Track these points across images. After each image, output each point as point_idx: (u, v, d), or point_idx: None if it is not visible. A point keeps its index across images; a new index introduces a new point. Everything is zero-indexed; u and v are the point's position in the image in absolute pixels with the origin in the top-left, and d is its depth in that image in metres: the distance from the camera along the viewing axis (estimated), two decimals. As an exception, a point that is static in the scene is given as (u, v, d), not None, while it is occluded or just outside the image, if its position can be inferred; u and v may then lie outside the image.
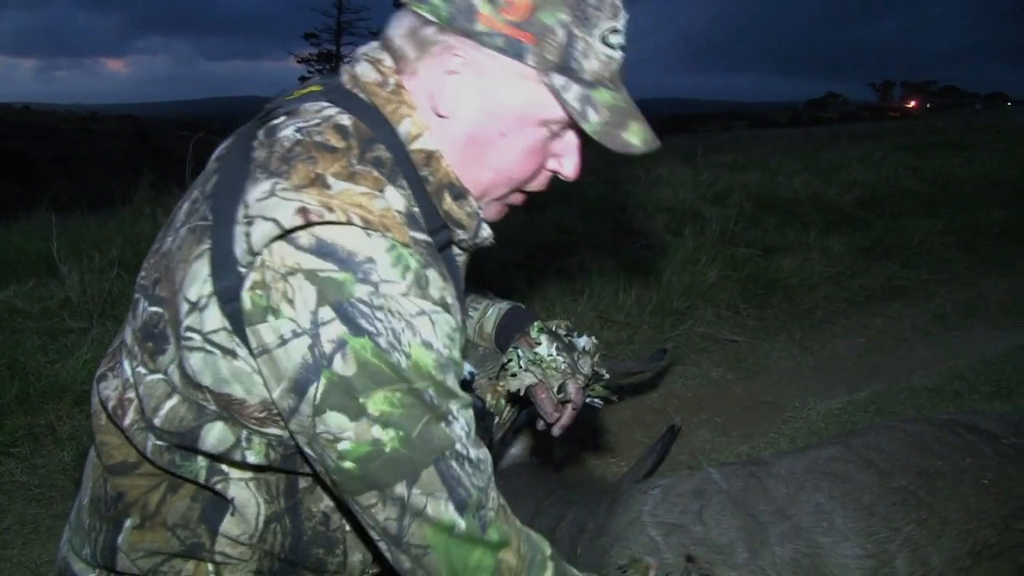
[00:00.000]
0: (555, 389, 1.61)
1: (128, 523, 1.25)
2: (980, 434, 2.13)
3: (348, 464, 1.07)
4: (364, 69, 1.22)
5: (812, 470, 2.01)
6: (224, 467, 1.22)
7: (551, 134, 1.23)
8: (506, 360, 1.66)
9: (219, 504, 1.25)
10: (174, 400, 1.17)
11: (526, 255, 4.74)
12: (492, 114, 1.20)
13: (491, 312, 1.82)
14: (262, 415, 1.15)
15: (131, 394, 1.22)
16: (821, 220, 5.90)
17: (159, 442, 1.20)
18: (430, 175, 1.21)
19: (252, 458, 1.19)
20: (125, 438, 1.24)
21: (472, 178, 1.25)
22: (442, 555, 1.12)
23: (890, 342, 4.10)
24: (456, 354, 1.13)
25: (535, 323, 1.70)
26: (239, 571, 1.28)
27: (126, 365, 1.24)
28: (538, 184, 1.32)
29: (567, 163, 1.29)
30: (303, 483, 1.26)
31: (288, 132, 1.14)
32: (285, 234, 1.04)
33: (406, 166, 1.18)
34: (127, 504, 1.25)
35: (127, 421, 1.22)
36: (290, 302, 1.04)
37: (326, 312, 1.03)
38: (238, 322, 1.08)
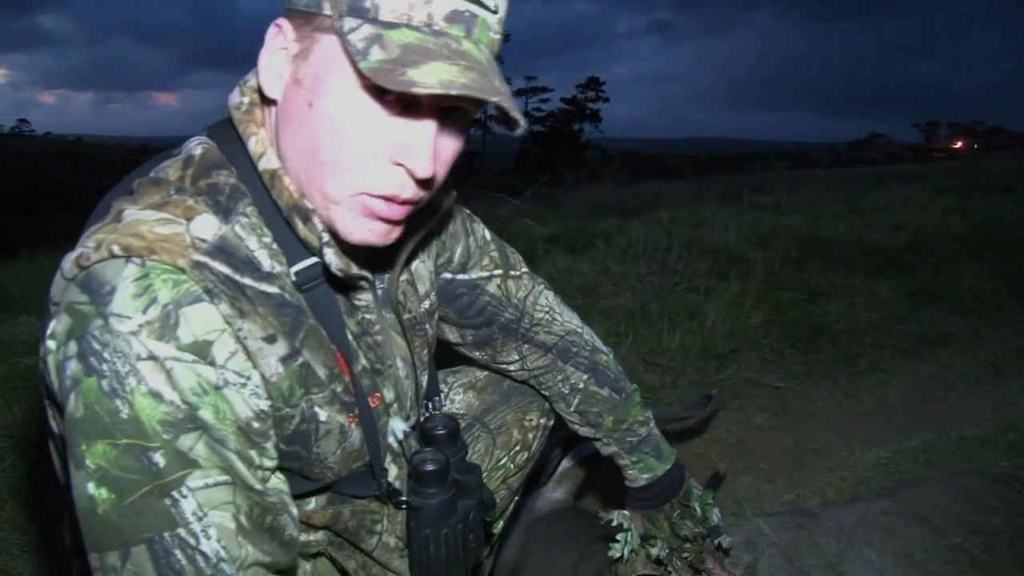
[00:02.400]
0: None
1: None
2: (1034, 489, 2.09)
3: (77, 514, 0.96)
4: (233, 93, 1.16)
5: (862, 524, 1.97)
6: None
7: (388, 111, 1.03)
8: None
9: None
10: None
11: (567, 297, 4.74)
12: (297, 80, 1.05)
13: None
14: None
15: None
16: (866, 264, 5.84)
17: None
18: (277, 197, 1.09)
19: None
20: None
21: (313, 181, 1.08)
22: None
23: (939, 390, 4.02)
24: (208, 415, 0.97)
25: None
26: None
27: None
28: (391, 185, 1.07)
29: (415, 155, 1.05)
30: None
31: (141, 175, 1.11)
32: (69, 282, 0.99)
33: (258, 191, 1.10)
34: None
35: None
36: (53, 336, 0.98)
37: (72, 346, 0.95)
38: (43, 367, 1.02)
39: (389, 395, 1.30)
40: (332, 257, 1.10)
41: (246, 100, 1.13)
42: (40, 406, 1.16)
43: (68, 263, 0.99)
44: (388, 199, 1.07)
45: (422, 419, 1.43)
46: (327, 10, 1.00)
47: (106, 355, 0.93)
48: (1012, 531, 1.93)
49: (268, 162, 1.09)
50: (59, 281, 1.01)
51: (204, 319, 0.98)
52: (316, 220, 1.09)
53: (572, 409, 1.73)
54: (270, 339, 1.06)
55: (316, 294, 1.14)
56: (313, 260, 1.12)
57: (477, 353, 1.70)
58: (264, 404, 1.05)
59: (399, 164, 1.05)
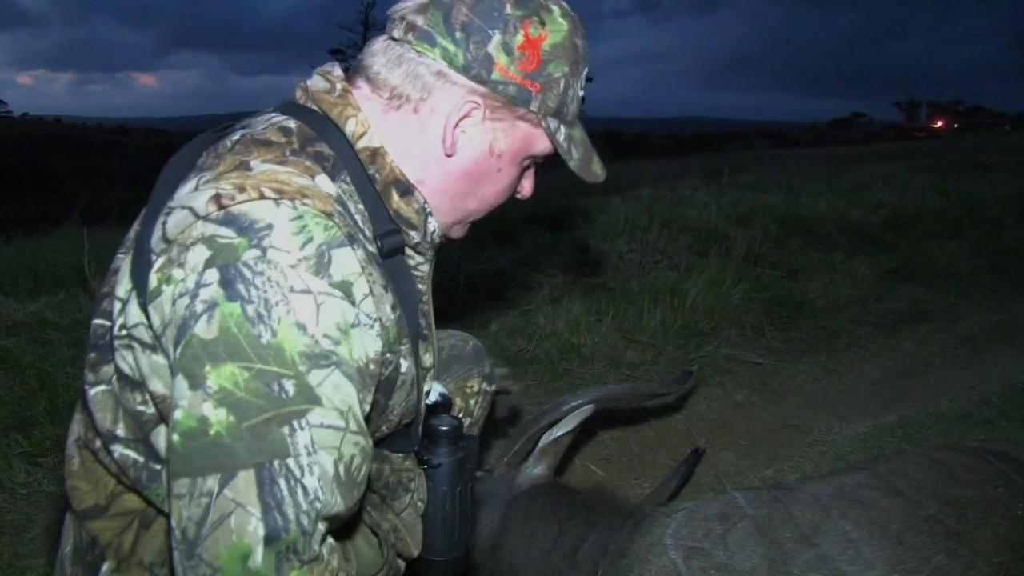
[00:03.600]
0: None
1: (105, 567, 1.23)
2: (1011, 463, 2.11)
3: (175, 437, 0.97)
4: (314, 81, 1.29)
5: (838, 496, 1.99)
6: None
7: (530, 164, 1.37)
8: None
9: None
10: (120, 412, 1.17)
11: (549, 275, 4.75)
12: (494, 154, 1.29)
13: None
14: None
15: (90, 417, 1.22)
16: (846, 241, 5.88)
17: (125, 451, 1.18)
18: (376, 172, 1.24)
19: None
20: (98, 475, 1.24)
21: (458, 206, 1.34)
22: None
23: (917, 366, 4.06)
24: (344, 351, 1.02)
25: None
26: None
27: (87, 392, 1.23)
28: (500, 205, 1.42)
29: (527, 184, 1.40)
30: None
31: (234, 136, 1.19)
32: (197, 220, 1.02)
33: (353, 165, 1.22)
34: (102, 548, 1.24)
35: (96, 444, 1.22)
36: (181, 266, 1.00)
37: (211, 274, 0.98)
38: (147, 300, 1.05)
39: (428, 360, 1.41)
40: (434, 223, 1.32)
41: (338, 87, 1.25)
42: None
43: (200, 202, 1.03)
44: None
45: None
46: (533, 107, 1.25)
47: (257, 282, 0.97)
48: (985, 502, 1.95)
49: (371, 140, 1.23)
50: (181, 220, 1.04)
51: (348, 261, 1.04)
52: (417, 194, 1.27)
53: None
54: (386, 287, 1.16)
55: (393, 262, 1.24)
56: (391, 229, 1.24)
57: None
58: (381, 348, 1.13)
59: (516, 193, 1.39)
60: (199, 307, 0.97)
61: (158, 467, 1.16)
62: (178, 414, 0.96)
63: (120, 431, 1.18)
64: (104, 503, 1.24)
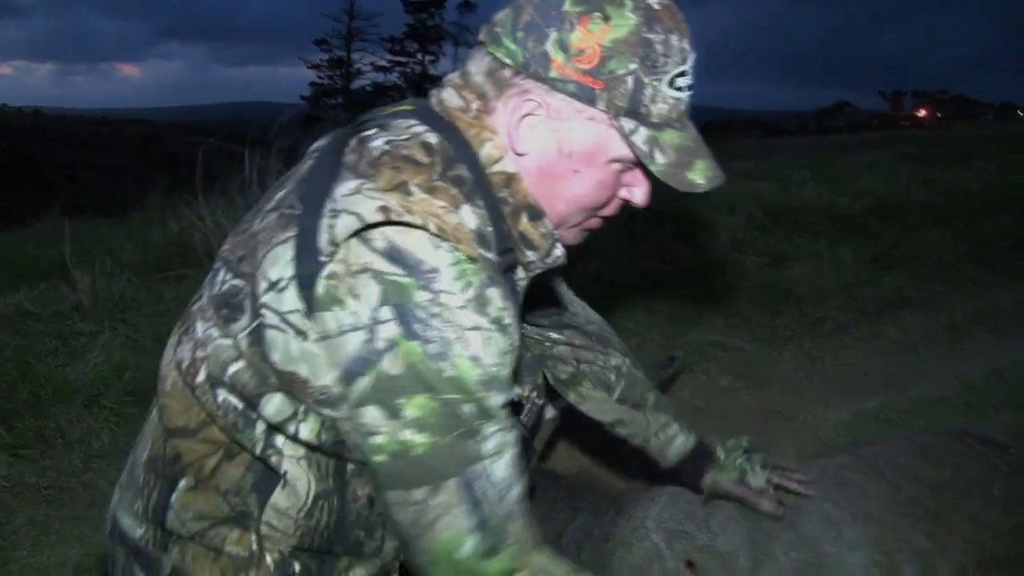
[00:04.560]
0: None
1: (183, 483, 1.30)
2: (989, 445, 2.13)
3: (380, 458, 1.14)
4: (448, 95, 1.30)
5: (820, 479, 2.01)
6: (279, 442, 1.27)
7: (622, 168, 1.30)
8: None
9: (271, 477, 1.29)
10: (240, 364, 1.23)
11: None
12: (564, 154, 1.26)
13: (677, 439, 1.96)
14: (322, 397, 1.20)
15: (201, 353, 1.28)
16: (831, 229, 5.90)
17: (229, 397, 1.25)
18: (509, 196, 1.27)
19: (304, 434, 1.25)
20: (191, 401, 1.30)
21: (548, 208, 1.32)
22: (446, 569, 1.17)
23: (900, 352, 4.09)
24: (504, 374, 1.17)
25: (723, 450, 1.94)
26: (280, 544, 1.33)
27: (199, 327, 1.30)
28: (611, 210, 1.38)
29: (638, 192, 1.35)
30: (351, 466, 1.30)
31: (378, 143, 1.21)
32: (365, 228, 1.10)
33: (484, 188, 1.24)
34: (184, 465, 1.30)
35: (199, 379, 1.28)
36: (355, 297, 1.10)
37: (386, 312, 1.09)
38: (310, 306, 1.15)
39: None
40: (560, 250, 1.35)
41: (474, 107, 1.28)
42: None
43: (368, 210, 1.11)
44: (604, 218, 1.39)
45: None
46: (600, 107, 1.21)
47: (434, 323, 1.09)
48: (963, 483, 1.97)
49: (505, 166, 1.26)
50: (349, 225, 1.11)
51: (498, 298, 1.15)
52: (547, 220, 1.31)
53: (616, 395, 1.92)
54: (515, 313, 1.22)
55: (507, 278, 1.29)
56: (509, 248, 1.28)
57: None
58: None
59: (624, 198, 1.36)
60: (380, 344, 1.09)
61: (254, 417, 1.25)
62: (380, 440, 1.13)
63: (234, 377, 1.24)
64: (193, 427, 1.30)
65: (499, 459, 1.17)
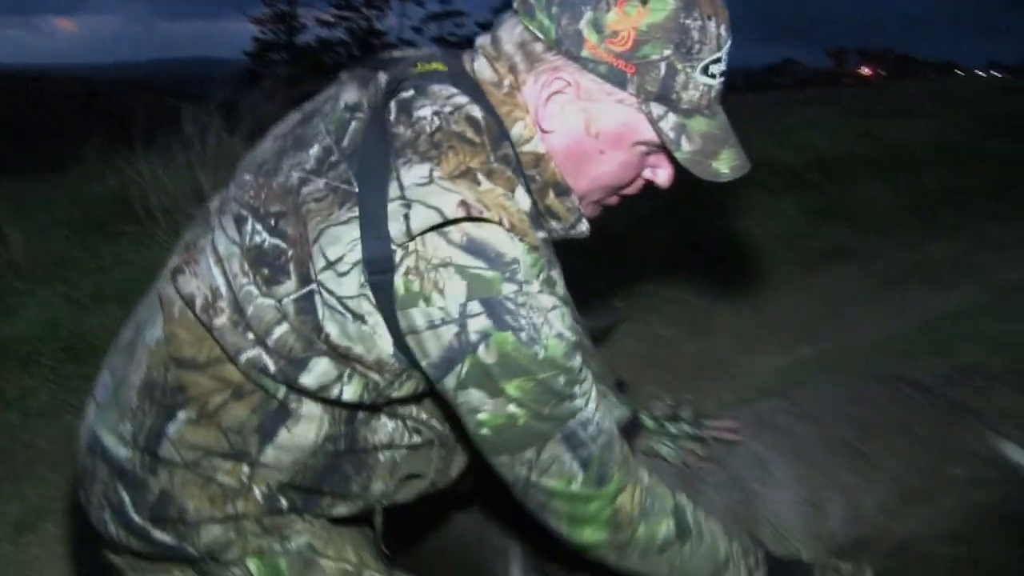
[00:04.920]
0: None
1: (183, 415, 1.30)
2: (916, 387, 2.20)
3: (485, 431, 1.20)
4: (481, 66, 1.29)
5: (753, 423, 2.06)
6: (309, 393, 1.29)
7: (648, 150, 1.30)
8: None
9: (281, 417, 1.31)
10: (284, 327, 1.23)
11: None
12: (591, 135, 1.27)
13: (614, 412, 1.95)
14: (374, 366, 1.23)
15: (223, 303, 1.27)
16: (774, 183, 5.95)
17: (265, 356, 1.25)
18: (537, 175, 1.28)
19: (347, 395, 1.27)
20: (204, 335, 1.29)
21: (578, 185, 1.33)
22: (563, 503, 1.26)
23: (838, 302, 4.18)
24: (576, 338, 1.23)
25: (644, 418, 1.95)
26: (271, 480, 1.35)
27: (215, 272, 1.28)
28: (633, 189, 1.39)
29: (661, 174, 1.36)
30: (361, 414, 1.33)
31: (425, 113, 1.21)
32: (444, 224, 1.12)
33: (518, 165, 1.25)
34: (187, 398, 1.30)
35: (218, 323, 1.27)
36: (441, 292, 1.13)
37: (475, 306, 1.13)
38: (384, 298, 1.17)
39: None
40: (585, 225, 1.36)
41: (506, 83, 1.27)
42: None
43: (448, 206, 1.12)
44: (624, 196, 1.40)
45: None
46: (630, 91, 1.21)
47: (522, 312, 1.14)
48: (891, 423, 2.04)
49: (536, 146, 1.26)
50: (427, 219, 1.12)
51: (557, 275, 1.21)
52: (574, 197, 1.32)
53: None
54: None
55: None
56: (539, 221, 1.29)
57: None
58: None
59: (647, 179, 1.37)
60: (473, 337, 1.14)
61: (292, 375, 1.25)
62: (484, 416, 1.19)
63: (278, 341, 1.23)
64: (203, 361, 1.30)
65: (588, 404, 1.24)
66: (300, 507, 1.41)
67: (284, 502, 1.38)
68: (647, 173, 1.36)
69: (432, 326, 1.15)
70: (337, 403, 1.30)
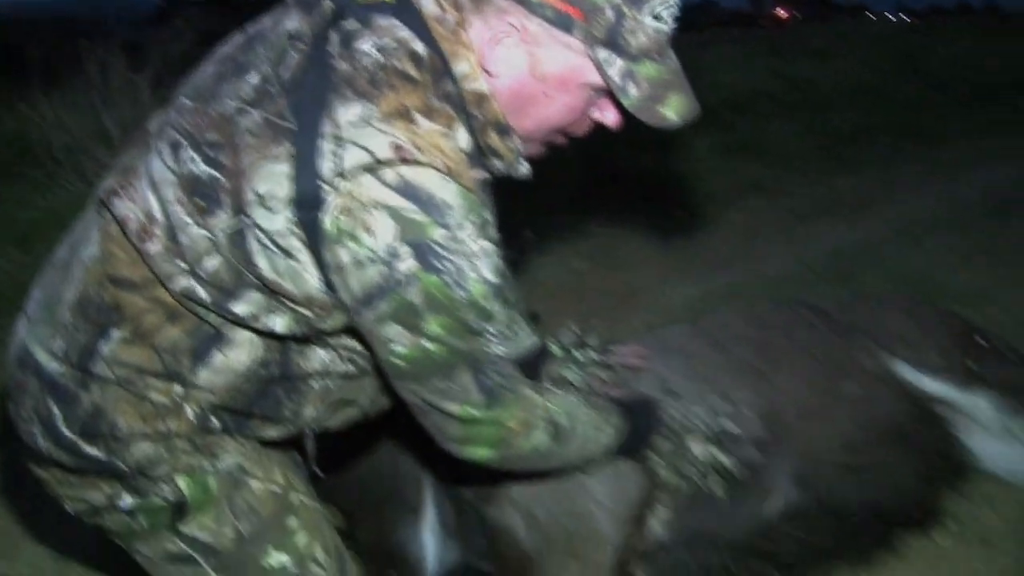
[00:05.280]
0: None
1: (117, 334, 1.30)
2: (816, 312, 2.28)
3: (398, 361, 1.22)
4: (427, 2, 1.26)
5: (660, 349, 2.10)
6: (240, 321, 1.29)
7: (595, 93, 1.29)
8: None
9: (215, 342, 1.31)
10: (217, 259, 1.23)
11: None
12: (537, 77, 1.26)
13: None
14: (303, 301, 1.23)
15: (157, 229, 1.26)
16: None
17: (197, 286, 1.25)
18: (480, 114, 1.26)
19: (279, 328, 1.28)
20: (139, 259, 1.28)
21: (515, 124, 1.31)
22: (459, 426, 1.30)
23: (748, 235, 4.27)
24: (503, 284, 1.24)
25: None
26: (202, 401, 1.35)
27: (150, 197, 1.27)
28: (581, 129, 1.38)
29: (609, 115, 1.34)
30: (296, 343, 1.33)
31: (367, 48, 1.19)
32: (377, 165, 1.12)
33: (464, 103, 1.24)
34: (121, 317, 1.30)
35: (152, 250, 1.26)
36: (370, 233, 1.13)
37: (403, 249, 1.13)
38: (313, 236, 1.17)
39: None
40: (526, 167, 1.35)
41: (451, 19, 1.25)
42: None
43: (381, 148, 1.12)
44: (570, 136, 1.38)
45: None
46: (577, 35, 1.20)
47: (450, 257, 1.14)
48: (791, 346, 2.11)
49: (479, 85, 1.25)
50: (359, 161, 1.12)
51: (491, 217, 1.22)
52: (515, 137, 1.30)
53: None
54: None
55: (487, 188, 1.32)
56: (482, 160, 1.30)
57: None
58: None
59: (595, 119, 1.34)
60: (399, 277, 1.14)
61: (222, 304, 1.26)
62: (400, 349, 1.20)
63: (211, 272, 1.24)
64: (139, 282, 1.29)
65: (501, 341, 1.26)
66: (231, 428, 1.41)
67: (216, 422, 1.39)
68: (595, 114, 1.35)
69: (358, 264, 1.15)
70: (270, 333, 1.31)
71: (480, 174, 1.24)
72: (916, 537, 2.12)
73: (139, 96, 4.64)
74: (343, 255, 1.16)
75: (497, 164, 1.34)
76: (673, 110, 1.26)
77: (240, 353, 1.33)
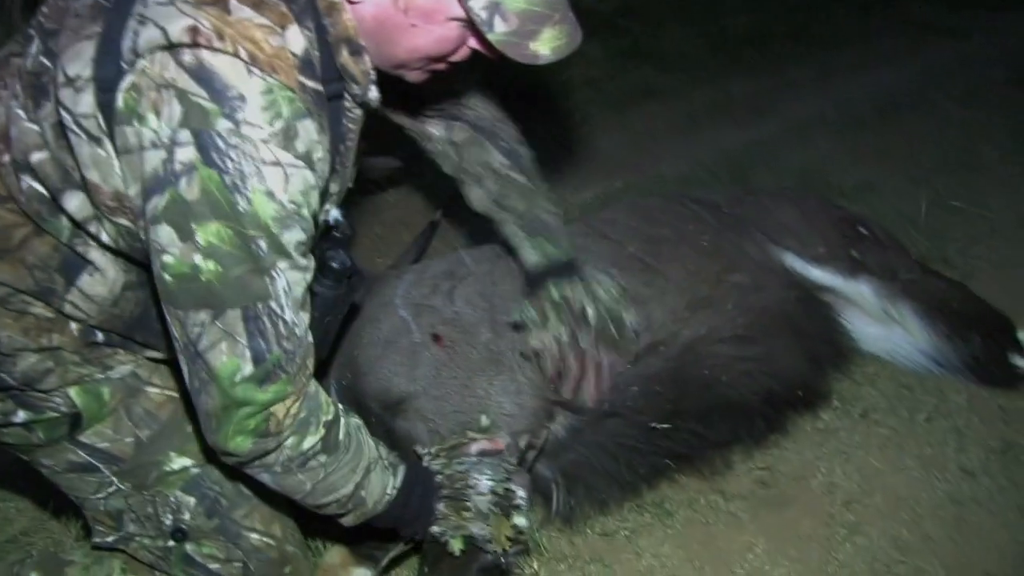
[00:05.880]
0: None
1: None
2: (704, 205, 2.31)
3: (167, 276, 1.15)
4: None
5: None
6: (85, 235, 1.28)
7: (465, 25, 1.27)
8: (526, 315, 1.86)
9: (79, 262, 1.31)
10: (45, 154, 1.21)
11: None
12: (399, 8, 1.23)
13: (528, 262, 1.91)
14: (113, 204, 1.21)
15: (14, 131, 1.23)
16: (581, 27, 5.92)
17: (34, 184, 1.23)
18: (331, 26, 1.22)
19: (105, 237, 1.26)
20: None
21: (386, 53, 1.30)
22: (220, 394, 1.20)
23: (644, 139, 4.27)
24: (306, 212, 1.18)
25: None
26: (79, 323, 1.36)
27: (5, 98, 1.24)
28: (459, 57, 1.35)
29: (482, 47, 1.31)
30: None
31: None
32: (176, 46, 1.06)
33: (315, 10, 1.20)
34: None
35: (5, 159, 1.24)
36: (156, 114, 1.09)
37: (185, 135, 1.08)
38: (108, 116, 1.12)
39: (334, 188, 1.45)
40: (375, 93, 1.32)
41: None
42: None
43: (176, 29, 1.06)
44: (451, 63, 1.35)
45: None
46: None
47: (232, 155, 1.08)
48: (677, 237, 2.14)
49: None
50: (153, 39, 1.07)
51: (309, 132, 1.15)
52: (367, 58, 1.27)
53: (493, 195, 1.91)
54: (328, 145, 1.24)
55: (332, 106, 1.29)
56: (336, 77, 1.26)
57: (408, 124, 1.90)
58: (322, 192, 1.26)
59: (472, 47, 1.32)
60: (178, 167, 1.09)
61: (58, 209, 1.24)
62: (169, 259, 1.13)
63: (38, 167, 1.21)
64: (4, 193, 1.28)
65: (287, 298, 1.19)
66: (118, 344, 1.42)
67: (101, 337, 1.39)
68: (472, 43, 1.32)
69: (142, 147, 1.10)
70: (122, 254, 1.30)
71: (317, 85, 1.19)
72: (804, 418, 2.21)
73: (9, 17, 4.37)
74: (130, 136, 1.11)
75: (355, 89, 1.31)
76: (546, 46, 1.24)
77: (106, 276, 1.32)
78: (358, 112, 1.40)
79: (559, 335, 1.85)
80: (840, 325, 2.29)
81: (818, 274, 2.28)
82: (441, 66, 1.38)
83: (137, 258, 1.30)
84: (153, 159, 1.10)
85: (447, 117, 1.88)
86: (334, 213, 1.47)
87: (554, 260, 1.88)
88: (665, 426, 1.96)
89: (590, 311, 1.85)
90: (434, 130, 1.89)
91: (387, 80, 1.38)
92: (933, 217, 3.06)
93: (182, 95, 1.08)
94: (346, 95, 1.33)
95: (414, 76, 1.38)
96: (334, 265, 1.45)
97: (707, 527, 2.00)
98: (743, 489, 2.09)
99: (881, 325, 2.32)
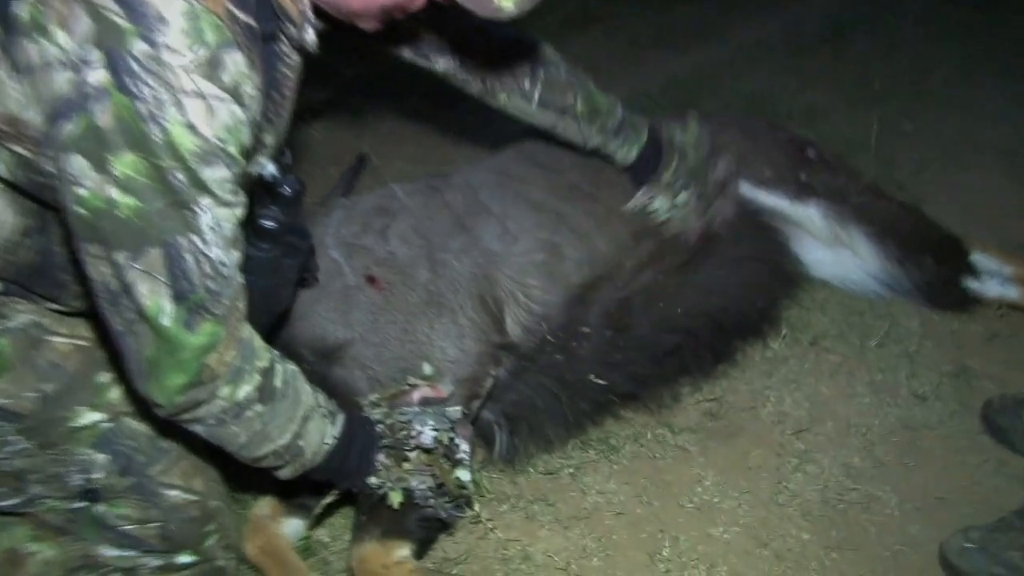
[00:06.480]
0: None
1: None
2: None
3: (81, 210, 1.07)
4: None
5: (487, 177, 2.02)
6: None
7: None
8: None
9: None
10: None
11: None
12: None
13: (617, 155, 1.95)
14: (8, 129, 1.13)
15: None
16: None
17: None
18: None
19: (1, 170, 1.19)
20: None
21: (342, 1, 1.26)
22: (149, 335, 1.14)
23: (586, 68, 4.15)
24: (231, 148, 1.10)
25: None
26: None
27: None
28: (416, 6, 1.29)
29: None
30: (53, 215, 1.24)
31: None
32: None
33: None
34: None
35: None
36: (64, 28, 1.00)
37: (97, 55, 0.99)
38: (7, 29, 1.05)
39: (269, 140, 1.36)
40: (312, 36, 1.27)
41: None
42: None
43: None
44: (409, 12, 1.29)
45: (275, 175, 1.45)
46: None
47: (149, 81, 1.00)
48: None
49: None
50: None
51: (237, 64, 1.07)
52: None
53: (536, 101, 1.91)
54: (259, 84, 1.15)
55: (268, 49, 1.22)
56: (272, 16, 1.19)
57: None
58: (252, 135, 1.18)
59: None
60: (90, 91, 1.00)
61: None
62: (83, 192, 1.05)
63: None
64: None
65: (212, 235, 1.12)
66: (17, 294, 1.34)
67: (1, 286, 1.31)
68: None
69: (47, 65, 1.02)
70: (19, 189, 1.22)
71: (249, 19, 1.10)
72: (753, 347, 2.17)
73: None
74: (33, 52, 1.03)
75: (292, 31, 1.24)
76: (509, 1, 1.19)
77: (1, 219, 1.24)
78: (296, 59, 1.32)
79: (690, 210, 1.96)
80: (789, 250, 2.23)
81: (765, 198, 2.22)
82: (399, 15, 1.32)
83: (35, 193, 1.22)
84: (60, 80, 1.01)
85: (452, 50, 1.86)
86: (269, 168, 1.38)
87: (645, 149, 1.94)
88: (611, 364, 1.90)
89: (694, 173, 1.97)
90: (442, 61, 1.88)
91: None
92: (884, 141, 3.01)
93: (93, 10, 0.98)
94: (283, 38, 1.26)
95: (370, 25, 1.31)
96: (266, 224, 1.36)
97: (654, 461, 1.95)
98: (691, 421, 2.05)
99: (830, 249, 2.28)
